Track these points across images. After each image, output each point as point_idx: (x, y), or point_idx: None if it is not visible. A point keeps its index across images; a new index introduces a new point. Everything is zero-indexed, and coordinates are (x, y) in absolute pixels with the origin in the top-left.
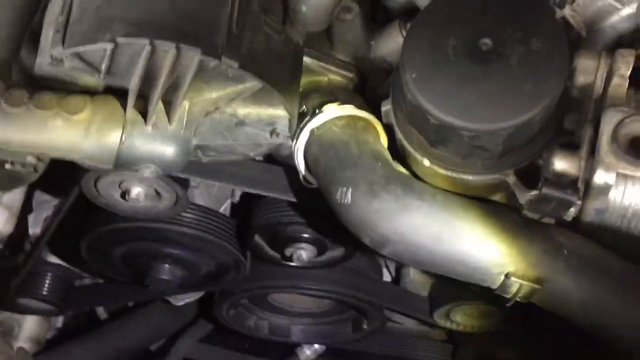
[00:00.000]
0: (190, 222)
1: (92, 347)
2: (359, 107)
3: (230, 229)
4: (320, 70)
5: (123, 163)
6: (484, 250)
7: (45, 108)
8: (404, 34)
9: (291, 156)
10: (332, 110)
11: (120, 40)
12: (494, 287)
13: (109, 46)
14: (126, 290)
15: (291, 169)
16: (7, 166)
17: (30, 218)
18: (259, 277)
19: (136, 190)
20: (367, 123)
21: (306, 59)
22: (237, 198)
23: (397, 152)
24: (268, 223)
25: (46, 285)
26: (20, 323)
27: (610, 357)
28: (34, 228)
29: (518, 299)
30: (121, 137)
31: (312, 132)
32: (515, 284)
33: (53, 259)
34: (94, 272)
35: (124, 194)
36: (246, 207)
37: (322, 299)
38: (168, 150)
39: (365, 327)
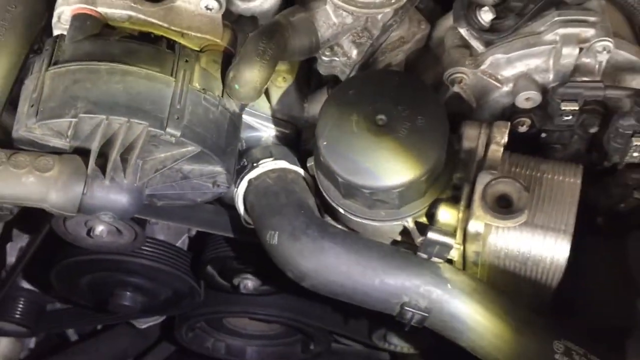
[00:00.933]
0: (149, 254)
1: None
2: (291, 161)
3: (185, 261)
4: (260, 127)
5: (85, 211)
6: (383, 284)
7: (20, 167)
8: None
9: (232, 200)
10: (267, 164)
11: (82, 116)
12: (394, 314)
13: (73, 120)
14: (93, 314)
15: (235, 210)
16: None
17: (7, 248)
18: (213, 302)
19: (100, 228)
20: (296, 175)
21: (248, 118)
22: (193, 232)
23: (321, 199)
24: (217, 256)
25: (19, 308)
26: None
27: None
28: (10, 257)
29: (413, 324)
30: (84, 189)
31: (250, 182)
32: (408, 313)
33: (26, 285)
34: (62, 298)
35: (89, 231)
36: (201, 241)
37: (272, 323)
38: (122, 200)
39: (312, 348)
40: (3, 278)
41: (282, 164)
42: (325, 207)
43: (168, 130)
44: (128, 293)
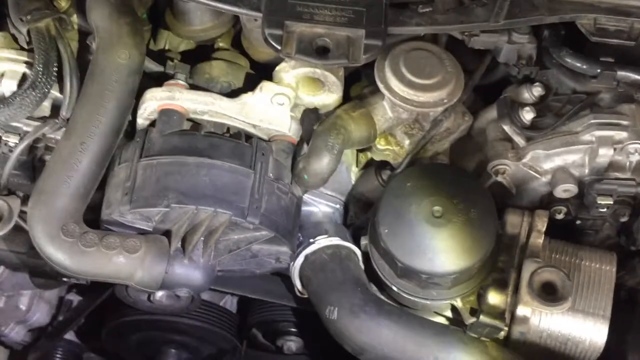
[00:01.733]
0: (198, 314)
1: None
2: (344, 238)
3: (230, 321)
4: (313, 203)
5: (165, 287)
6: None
7: (111, 248)
8: (379, 178)
9: (287, 270)
10: (323, 241)
11: (173, 206)
12: None
13: (164, 209)
14: None
15: (285, 278)
16: (65, 279)
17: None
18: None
19: (160, 294)
20: (349, 251)
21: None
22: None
23: (372, 274)
24: (264, 320)
25: (58, 357)
26: None
27: None
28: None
29: None
30: (166, 269)
31: (306, 257)
32: None
33: (67, 335)
34: (104, 351)
35: (149, 296)
36: (245, 302)
37: None
38: (199, 277)
39: None
40: (54, 331)
41: (337, 240)
42: (376, 282)
43: (248, 219)
44: (174, 350)
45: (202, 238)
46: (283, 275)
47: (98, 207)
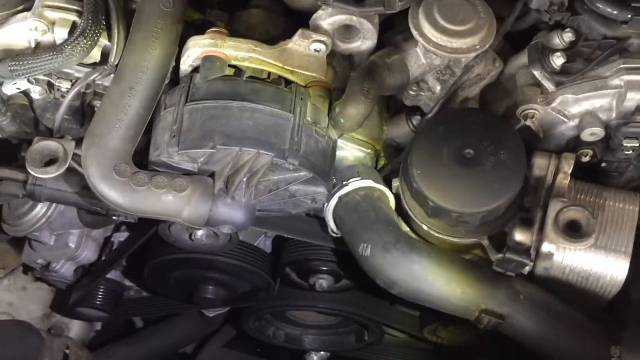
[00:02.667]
0: (234, 254)
1: (135, 348)
2: (375, 180)
3: (264, 260)
4: (345, 148)
5: (209, 224)
6: (465, 293)
7: (160, 187)
8: (410, 123)
9: (321, 211)
10: (355, 183)
11: (219, 147)
12: (471, 319)
13: (210, 150)
14: (166, 302)
15: (319, 219)
16: (115, 217)
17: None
18: (284, 297)
19: (200, 233)
20: (381, 193)
21: None
22: (271, 234)
23: (403, 214)
24: (298, 258)
25: (100, 295)
26: (69, 326)
27: None
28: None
29: (487, 329)
30: (211, 207)
31: (340, 198)
32: (485, 318)
33: (109, 274)
34: (147, 288)
35: (191, 235)
36: (278, 242)
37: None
38: (240, 216)
39: (366, 338)
40: (98, 270)
41: (369, 182)
42: (406, 222)
43: (289, 160)
44: (211, 287)
45: (245, 179)
46: (316, 217)
47: (144, 151)
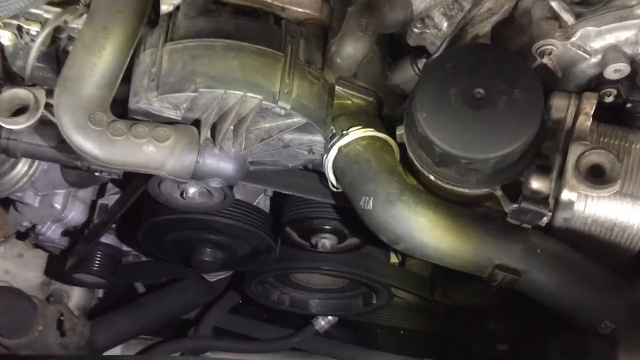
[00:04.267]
0: (231, 214)
1: (135, 316)
2: (378, 129)
3: (263, 220)
4: (346, 96)
5: (197, 177)
6: (476, 248)
7: (140, 137)
8: (414, 67)
9: (320, 164)
10: (357, 132)
11: (201, 90)
12: (484, 276)
13: (192, 94)
14: (166, 267)
15: (318, 173)
16: (97, 173)
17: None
18: (286, 259)
19: (192, 190)
20: (384, 142)
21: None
22: (270, 193)
23: (408, 165)
24: (298, 217)
25: (98, 261)
26: (69, 294)
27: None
28: (94, 213)
29: (502, 286)
30: (197, 158)
31: (339, 149)
32: (499, 275)
33: (104, 239)
34: (144, 252)
35: (182, 193)
36: (278, 201)
37: (337, 278)
38: (230, 168)
39: (374, 302)
40: (88, 235)
41: (371, 131)
42: (412, 173)
43: (279, 103)
44: (209, 250)
45: (232, 127)
46: (317, 171)
47: (126, 101)
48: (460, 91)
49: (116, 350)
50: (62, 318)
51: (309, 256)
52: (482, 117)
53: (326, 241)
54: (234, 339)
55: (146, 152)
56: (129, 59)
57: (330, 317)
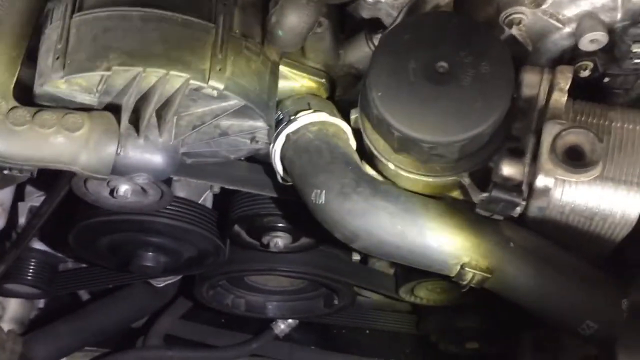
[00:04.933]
0: (172, 213)
1: (77, 327)
2: (330, 113)
3: (209, 219)
4: (293, 77)
5: (118, 172)
6: (441, 244)
7: (47, 126)
8: (370, 44)
9: (268, 155)
10: (306, 117)
11: (115, 68)
12: (451, 275)
13: (105, 73)
14: (109, 273)
15: (267, 166)
16: (6, 172)
17: (18, 207)
18: (238, 261)
19: (124, 188)
20: (337, 128)
21: (280, 67)
22: (216, 189)
23: (365, 154)
24: (247, 214)
25: (31, 270)
26: (4, 305)
27: None
28: (20, 217)
29: (472, 285)
30: (117, 149)
31: (287, 137)
32: (469, 273)
33: (37, 245)
34: (79, 258)
35: (112, 191)
36: (225, 197)
37: (295, 279)
38: (158, 160)
39: (336, 302)
40: (15, 240)
41: (323, 116)
42: (369, 162)
43: (211, 82)
44: (150, 253)
45: (158, 113)
46: (264, 163)
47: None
48: (420, 65)
49: None
50: None
51: (263, 257)
52: (445, 95)
53: (279, 240)
54: (188, 347)
55: (54, 144)
56: (31, 34)
57: (290, 320)
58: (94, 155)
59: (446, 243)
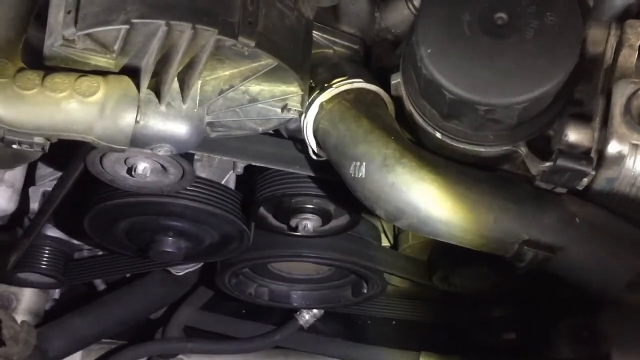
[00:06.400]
0: (194, 195)
1: (93, 318)
2: (367, 80)
3: (233, 201)
4: (326, 43)
5: (137, 143)
6: (497, 220)
7: (59, 90)
8: (409, 5)
9: (298, 130)
10: (342, 85)
11: (135, 21)
12: (507, 255)
13: (123, 27)
14: (126, 261)
15: (297, 141)
16: (15, 146)
17: (29, 192)
18: (263, 246)
19: (142, 166)
20: (375, 96)
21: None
22: (239, 170)
23: (406, 123)
24: (274, 195)
25: (45, 258)
26: (19, 296)
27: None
28: (32, 202)
29: (532, 266)
30: (136, 117)
31: (321, 106)
32: (528, 253)
33: (52, 232)
34: (96, 245)
35: (130, 170)
36: (250, 179)
37: (322, 265)
38: (182, 129)
39: (365, 291)
40: (27, 226)
41: (359, 83)
42: (412, 133)
43: (241, 38)
44: (170, 239)
45: (178, 76)
46: (294, 138)
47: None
48: (476, 17)
49: (75, 358)
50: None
51: (289, 242)
52: (505, 50)
53: (308, 223)
54: (208, 339)
55: (67, 110)
56: None
57: (315, 310)
58: (111, 123)
59: (503, 219)
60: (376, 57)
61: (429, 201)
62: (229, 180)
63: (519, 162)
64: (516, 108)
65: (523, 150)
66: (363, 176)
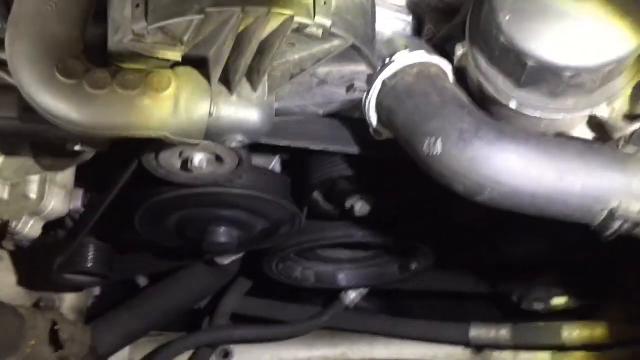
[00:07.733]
0: (246, 183)
1: (140, 312)
2: (428, 52)
3: (284, 186)
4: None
5: (211, 136)
6: (585, 187)
7: (131, 88)
8: None
9: (352, 109)
10: (404, 58)
11: (210, 10)
12: (594, 224)
13: (197, 18)
14: (172, 254)
15: (351, 121)
16: (77, 147)
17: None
18: (312, 230)
19: (199, 158)
20: (438, 69)
21: None
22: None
23: (473, 95)
24: (330, 177)
25: (90, 257)
26: (61, 296)
27: None
28: (74, 202)
29: (621, 234)
30: (210, 109)
31: (384, 83)
32: (617, 221)
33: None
34: (144, 241)
35: (186, 163)
36: (295, 162)
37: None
38: (255, 118)
39: (413, 266)
40: (73, 227)
41: (422, 55)
42: (479, 105)
43: (317, 20)
44: (222, 229)
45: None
46: (347, 118)
47: (100, 47)
48: None
49: (124, 353)
50: (56, 328)
51: (340, 224)
52: (589, 10)
53: (364, 204)
54: (257, 325)
55: (141, 108)
56: None
57: (361, 289)
58: (185, 117)
59: (591, 186)
60: (429, 28)
61: (512, 173)
62: (275, 165)
63: (597, 128)
64: (602, 71)
65: (604, 114)
66: (439, 153)
